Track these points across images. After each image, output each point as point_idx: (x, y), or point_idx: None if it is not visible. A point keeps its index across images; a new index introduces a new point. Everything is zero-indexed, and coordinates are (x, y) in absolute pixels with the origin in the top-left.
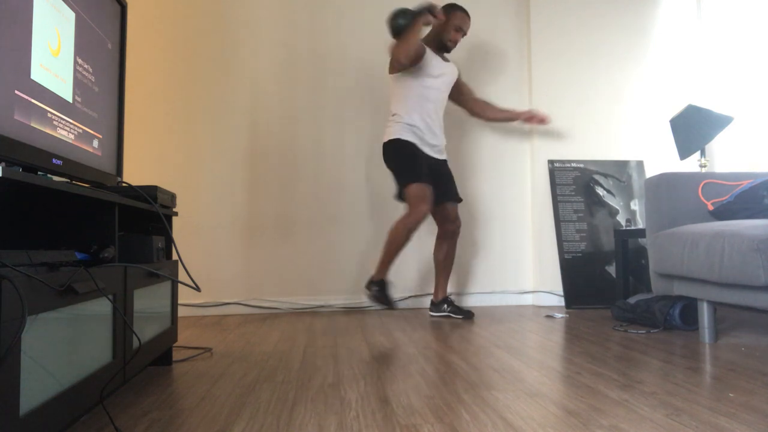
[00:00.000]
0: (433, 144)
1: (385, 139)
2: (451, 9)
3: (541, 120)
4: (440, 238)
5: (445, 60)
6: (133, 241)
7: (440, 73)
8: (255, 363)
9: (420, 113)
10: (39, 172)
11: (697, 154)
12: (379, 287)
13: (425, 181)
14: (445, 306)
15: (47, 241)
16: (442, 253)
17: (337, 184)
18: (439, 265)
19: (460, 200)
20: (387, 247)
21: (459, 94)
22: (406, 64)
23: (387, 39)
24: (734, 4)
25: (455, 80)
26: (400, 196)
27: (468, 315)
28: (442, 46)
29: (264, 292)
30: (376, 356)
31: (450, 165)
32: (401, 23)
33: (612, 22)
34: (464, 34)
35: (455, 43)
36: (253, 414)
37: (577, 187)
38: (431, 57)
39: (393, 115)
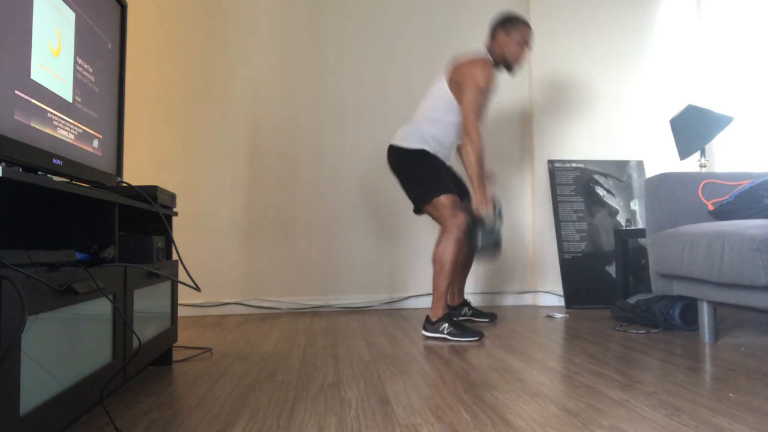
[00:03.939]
0: (448, 155)
1: (406, 145)
2: (509, 23)
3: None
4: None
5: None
6: (133, 241)
7: (490, 103)
8: (255, 363)
9: (452, 138)
10: (39, 172)
11: (697, 154)
12: (448, 323)
13: (453, 191)
14: (466, 310)
15: (47, 241)
16: (463, 255)
17: (337, 183)
18: (459, 268)
19: None
20: (436, 278)
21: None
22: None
23: (386, 39)
24: (734, 4)
25: None
26: (420, 210)
27: (492, 318)
28: (506, 66)
29: (264, 292)
30: (376, 356)
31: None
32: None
33: (612, 22)
34: (529, 48)
35: (520, 61)
36: (253, 414)
37: (577, 187)
38: (494, 87)
39: (425, 122)
